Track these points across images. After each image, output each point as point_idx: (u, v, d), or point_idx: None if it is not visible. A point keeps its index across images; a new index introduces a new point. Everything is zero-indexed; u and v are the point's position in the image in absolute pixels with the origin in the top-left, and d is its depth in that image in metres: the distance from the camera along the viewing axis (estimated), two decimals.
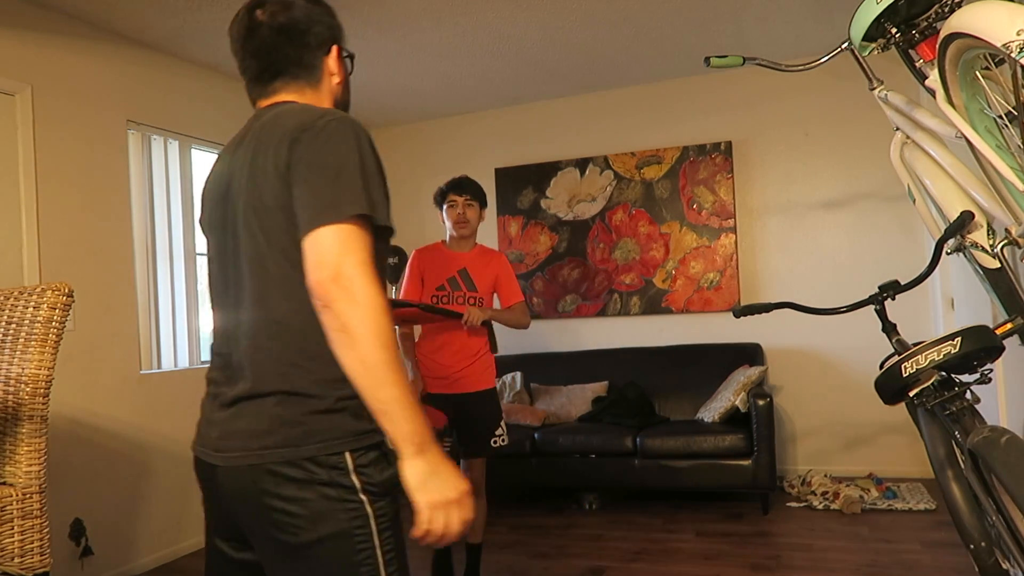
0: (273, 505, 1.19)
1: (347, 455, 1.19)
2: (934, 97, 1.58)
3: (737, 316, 1.95)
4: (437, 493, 1.16)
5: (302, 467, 1.18)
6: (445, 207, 3.01)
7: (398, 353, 1.15)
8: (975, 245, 1.70)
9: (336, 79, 1.40)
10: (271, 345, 1.23)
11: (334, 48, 1.39)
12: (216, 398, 1.29)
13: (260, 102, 1.38)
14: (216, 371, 1.32)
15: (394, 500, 1.25)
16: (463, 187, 3.01)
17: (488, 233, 5.28)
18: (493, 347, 3.05)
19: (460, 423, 2.94)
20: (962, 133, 1.49)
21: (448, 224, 3.02)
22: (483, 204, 3.07)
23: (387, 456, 1.23)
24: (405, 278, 3.02)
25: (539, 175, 5.18)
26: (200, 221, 1.42)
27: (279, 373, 1.22)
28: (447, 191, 3.01)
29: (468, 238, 3.04)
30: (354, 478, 1.19)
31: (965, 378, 1.61)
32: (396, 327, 2.85)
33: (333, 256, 1.11)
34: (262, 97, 1.37)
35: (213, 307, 1.35)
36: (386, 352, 1.11)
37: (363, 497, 1.20)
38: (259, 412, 1.22)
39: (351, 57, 1.45)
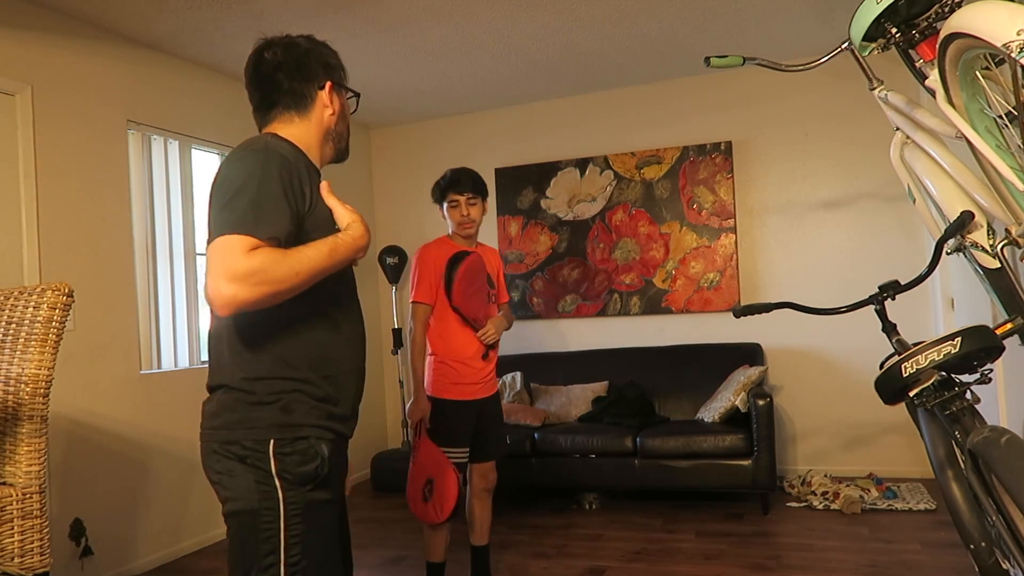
0: (210, 476, 1.45)
1: (270, 443, 1.39)
2: (934, 97, 1.58)
3: (737, 316, 1.95)
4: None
5: (232, 447, 1.40)
6: (446, 206, 2.89)
7: (294, 268, 1.32)
8: (975, 245, 1.70)
9: (329, 111, 1.58)
10: (218, 346, 1.46)
11: (328, 82, 1.57)
12: None
13: (261, 131, 1.58)
14: None
15: (313, 491, 1.41)
16: (463, 184, 2.87)
17: (488, 233, 5.27)
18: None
19: (485, 426, 2.87)
20: (962, 133, 1.49)
21: (451, 223, 2.90)
22: (485, 197, 2.95)
23: (314, 454, 1.41)
24: (419, 277, 2.83)
25: (539, 175, 5.18)
26: None
27: (222, 370, 1.45)
28: (447, 188, 2.88)
29: (474, 236, 2.96)
30: (272, 463, 1.38)
31: (965, 378, 1.61)
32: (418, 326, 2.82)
33: (208, 267, 1.29)
34: (263, 126, 1.58)
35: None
36: (297, 275, 1.31)
37: (277, 482, 1.38)
38: (212, 400, 1.46)
39: (356, 96, 1.67)
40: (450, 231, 2.94)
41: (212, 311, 1.40)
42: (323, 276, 1.38)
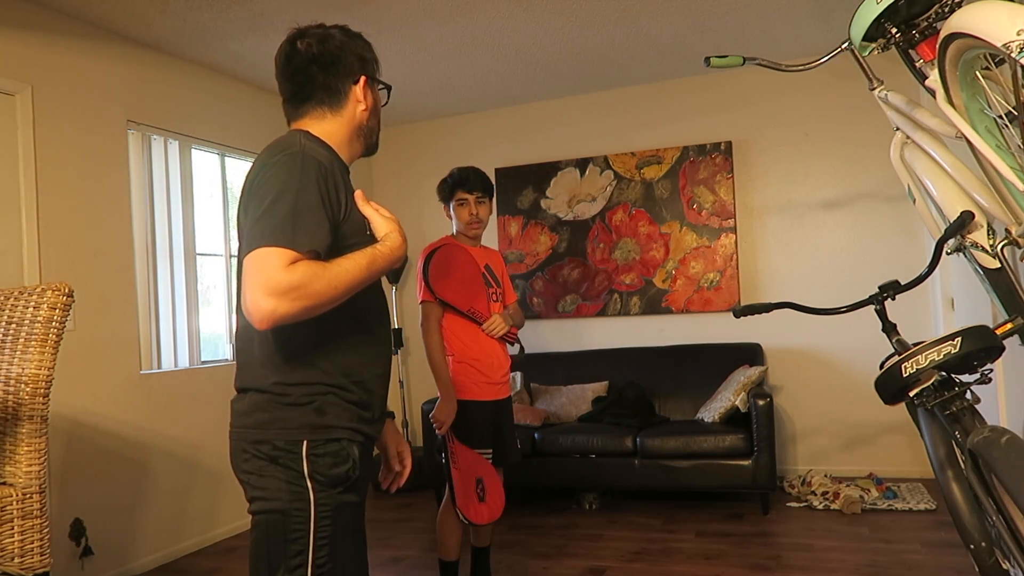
0: (238, 475, 1.42)
1: (304, 443, 1.37)
2: (934, 97, 1.58)
3: (737, 316, 1.95)
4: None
5: (263, 447, 1.38)
6: (453, 204, 2.84)
7: (333, 283, 1.30)
8: (975, 245, 1.70)
9: (362, 107, 1.54)
10: (248, 348, 1.44)
11: (362, 77, 1.53)
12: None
13: (291, 124, 1.55)
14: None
15: (343, 494, 1.40)
16: (472, 183, 2.82)
17: (488, 233, 5.27)
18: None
19: (501, 428, 2.85)
20: (962, 133, 1.49)
21: (458, 223, 2.85)
22: (492, 197, 2.92)
23: (346, 456, 1.40)
24: (423, 276, 2.77)
25: (539, 175, 5.18)
26: None
27: (253, 373, 1.43)
28: (456, 186, 2.82)
29: (480, 236, 2.91)
30: (304, 464, 1.36)
31: (965, 378, 1.61)
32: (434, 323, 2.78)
33: (248, 280, 1.27)
34: (293, 119, 1.55)
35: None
36: (335, 288, 1.29)
37: (309, 483, 1.36)
38: (243, 399, 1.45)
39: (388, 88, 1.64)
40: (454, 231, 2.89)
41: (244, 317, 1.39)
42: (361, 288, 1.35)
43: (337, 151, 1.52)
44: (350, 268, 1.32)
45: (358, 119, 1.55)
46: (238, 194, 1.49)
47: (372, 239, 1.46)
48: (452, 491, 2.69)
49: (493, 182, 5.19)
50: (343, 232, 1.40)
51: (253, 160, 1.45)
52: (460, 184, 2.81)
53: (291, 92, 1.53)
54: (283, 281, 1.23)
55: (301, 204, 1.31)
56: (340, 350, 1.43)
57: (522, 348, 2.97)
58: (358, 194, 1.49)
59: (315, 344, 1.41)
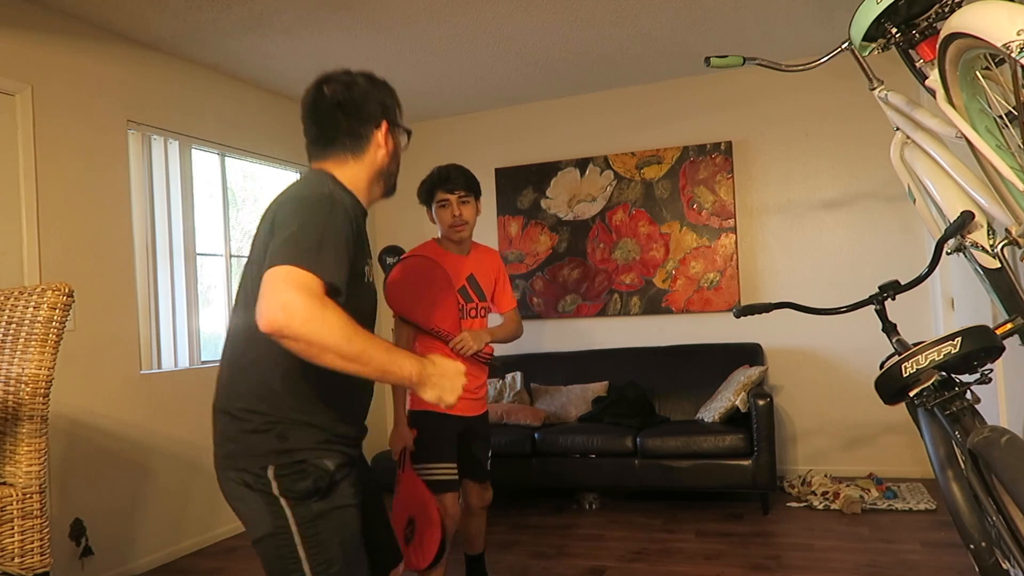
0: (231, 505, 1.48)
1: (270, 468, 1.42)
2: (934, 97, 1.58)
3: (737, 316, 1.95)
4: (444, 390, 1.42)
5: (240, 474, 1.44)
6: (435, 207, 2.59)
7: (351, 337, 1.29)
8: (975, 245, 1.69)
9: (383, 151, 1.60)
10: (224, 373, 1.52)
11: (384, 123, 1.60)
12: None
13: (312, 164, 1.61)
14: None
15: (318, 503, 1.44)
16: (453, 181, 2.55)
17: (488, 233, 5.28)
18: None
19: (469, 445, 2.63)
20: (962, 133, 1.49)
21: (440, 226, 2.60)
22: (478, 196, 2.63)
23: (305, 471, 1.44)
24: None
25: (539, 175, 5.18)
26: None
27: (225, 397, 1.50)
28: (434, 187, 2.57)
29: (467, 240, 2.65)
30: (274, 485, 1.42)
31: (965, 378, 1.61)
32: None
33: (274, 291, 1.28)
34: (314, 160, 1.60)
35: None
36: (350, 344, 1.28)
37: (283, 501, 1.42)
38: (216, 425, 1.51)
39: (408, 133, 1.68)
40: (439, 235, 2.65)
41: (235, 332, 1.50)
42: (358, 372, 1.32)
43: (358, 196, 1.57)
44: (369, 348, 1.31)
45: (379, 163, 1.60)
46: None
47: (366, 291, 1.55)
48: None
49: (493, 182, 5.27)
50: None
51: (275, 196, 1.52)
52: (440, 184, 2.56)
53: (316, 135, 1.60)
54: (307, 303, 1.25)
55: (328, 238, 1.35)
56: (327, 385, 1.45)
57: (493, 365, 2.67)
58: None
59: (304, 376, 1.44)
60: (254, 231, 1.51)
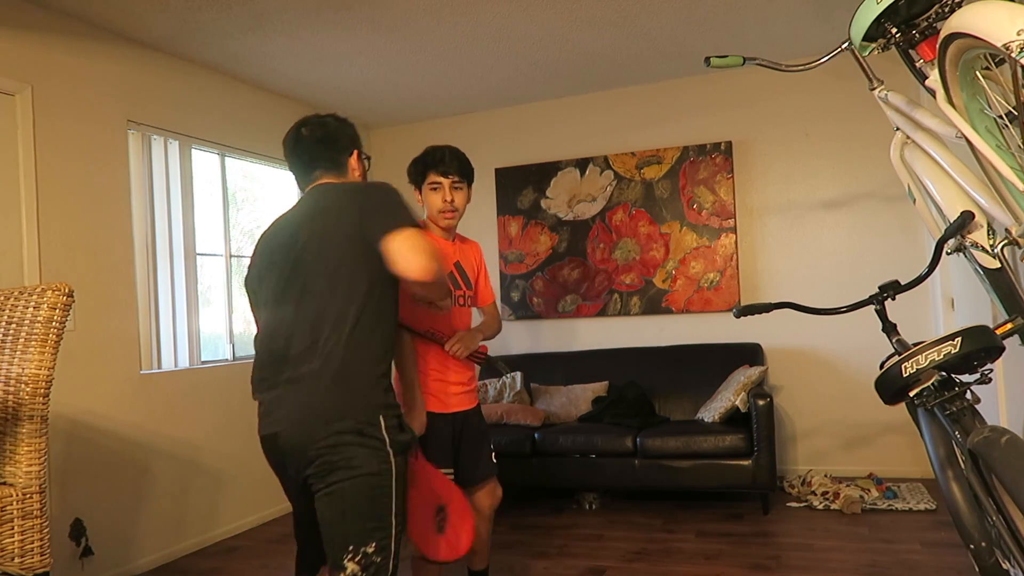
0: (330, 457, 1.69)
1: (381, 418, 1.73)
2: (934, 97, 1.58)
3: (737, 316, 1.95)
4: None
5: (352, 424, 1.69)
6: (425, 188, 2.47)
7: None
8: (975, 245, 1.70)
9: (356, 172, 2.00)
10: (333, 337, 1.73)
11: (355, 151, 2.00)
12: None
13: (307, 187, 1.96)
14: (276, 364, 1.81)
15: (403, 461, 1.77)
16: (447, 164, 2.44)
17: (488, 233, 5.28)
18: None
19: (466, 442, 2.49)
20: (962, 133, 1.49)
21: (429, 210, 2.48)
22: (471, 182, 2.52)
23: (403, 427, 1.79)
24: None
25: (539, 175, 5.18)
26: (252, 271, 1.93)
27: (334, 360, 1.72)
28: (428, 168, 2.45)
29: (454, 227, 2.53)
30: (384, 434, 1.72)
31: (965, 378, 1.61)
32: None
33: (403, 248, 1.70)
34: (307, 183, 1.96)
35: (276, 323, 1.82)
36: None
37: (389, 451, 1.72)
38: (314, 385, 1.74)
39: (368, 158, 2.08)
40: (425, 218, 2.50)
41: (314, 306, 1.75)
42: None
43: None
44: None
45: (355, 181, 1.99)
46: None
47: None
48: (403, 521, 2.18)
49: (493, 182, 5.27)
50: None
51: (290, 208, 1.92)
52: (433, 165, 2.45)
53: (301, 166, 1.96)
54: (432, 247, 1.71)
55: (400, 201, 1.80)
56: (389, 341, 1.84)
57: (495, 366, 2.60)
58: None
59: (382, 333, 1.80)
60: (291, 239, 1.82)
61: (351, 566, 1.66)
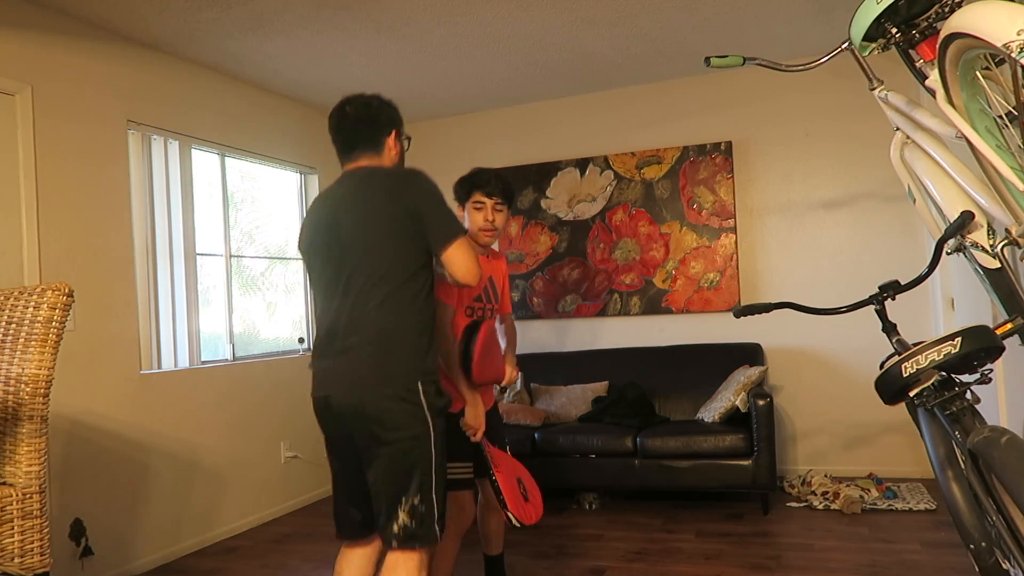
0: (378, 416, 1.91)
1: (419, 383, 1.93)
2: (934, 97, 1.58)
3: (737, 316, 1.95)
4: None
5: (396, 389, 1.91)
6: (469, 206, 2.64)
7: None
8: (975, 245, 1.70)
9: (394, 152, 2.15)
10: (379, 313, 1.94)
11: (394, 131, 2.15)
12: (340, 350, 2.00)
13: (347, 166, 2.13)
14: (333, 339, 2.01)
15: (441, 422, 1.98)
16: (492, 186, 2.62)
17: None
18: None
19: (487, 437, 2.62)
20: (962, 133, 1.49)
21: (471, 226, 2.65)
22: (511, 205, 2.72)
23: (440, 392, 2.00)
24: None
25: (539, 175, 5.18)
26: (302, 247, 2.13)
27: (381, 332, 1.94)
28: (474, 188, 2.64)
29: (491, 244, 2.71)
30: (423, 399, 1.93)
31: (965, 378, 1.61)
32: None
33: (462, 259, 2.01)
34: (348, 162, 2.13)
35: (328, 301, 2.03)
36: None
37: (427, 413, 1.93)
38: (363, 355, 1.95)
39: (408, 139, 2.24)
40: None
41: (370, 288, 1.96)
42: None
43: None
44: None
45: (392, 161, 2.15)
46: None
47: None
48: (500, 497, 2.51)
49: None
50: None
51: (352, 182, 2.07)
52: (479, 186, 2.64)
53: (344, 143, 2.12)
54: (476, 255, 2.03)
55: (447, 207, 2.05)
56: (429, 320, 2.04)
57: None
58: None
59: (431, 314, 2.04)
60: (340, 220, 2.01)
61: (402, 516, 1.90)
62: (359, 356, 1.93)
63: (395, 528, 1.90)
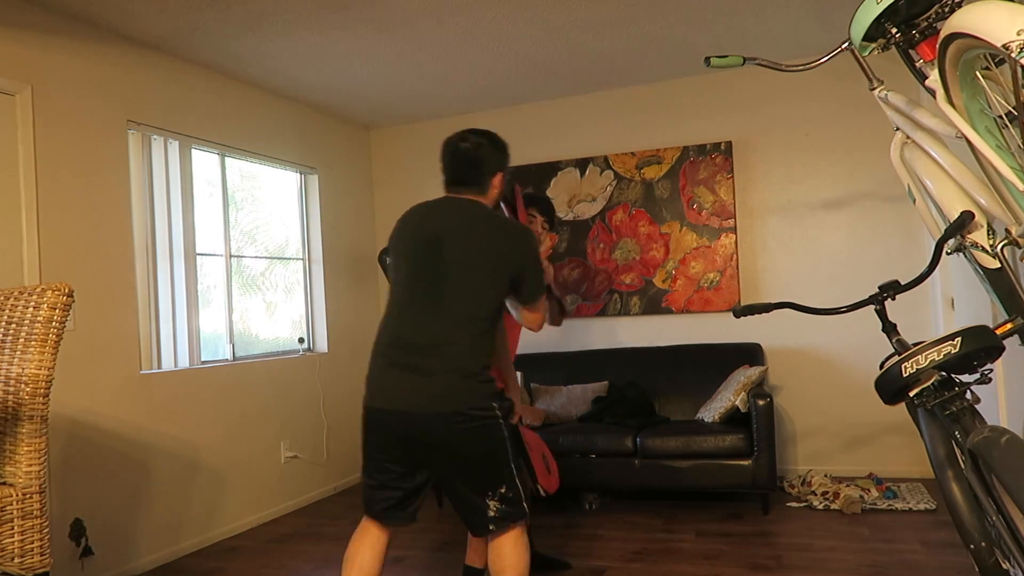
0: (458, 434, 2.11)
1: (495, 405, 2.16)
2: (934, 97, 1.58)
3: (737, 316, 1.95)
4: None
5: (474, 410, 2.11)
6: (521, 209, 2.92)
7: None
8: (975, 245, 1.70)
9: (495, 190, 2.36)
10: (461, 341, 2.13)
11: (500, 174, 2.35)
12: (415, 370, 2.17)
13: (451, 193, 2.32)
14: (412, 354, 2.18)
15: (510, 423, 2.25)
16: (543, 206, 2.98)
17: None
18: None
19: None
20: (962, 133, 1.49)
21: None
22: (551, 230, 3.05)
23: (511, 408, 2.25)
24: None
25: (539, 175, 5.18)
26: (397, 248, 2.28)
27: (463, 361, 2.13)
28: (530, 204, 2.97)
29: None
30: (497, 412, 2.16)
31: (965, 378, 1.61)
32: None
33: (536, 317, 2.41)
34: (453, 191, 2.32)
35: (408, 310, 2.19)
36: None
37: (501, 422, 2.16)
38: (447, 380, 2.13)
39: (511, 179, 2.51)
40: None
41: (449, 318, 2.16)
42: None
43: None
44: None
45: (493, 199, 2.35)
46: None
47: None
48: (532, 471, 2.90)
49: None
50: None
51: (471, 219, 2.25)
52: (535, 202, 2.98)
53: (454, 175, 2.31)
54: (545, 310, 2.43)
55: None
56: (494, 346, 2.26)
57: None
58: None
59: (493, 345, 2.24)
60: (457, 240, 2.20)
61: (493, 504, 2.15)
62: (441, 378, 2.10)
63: (491, 514, 2.15)
